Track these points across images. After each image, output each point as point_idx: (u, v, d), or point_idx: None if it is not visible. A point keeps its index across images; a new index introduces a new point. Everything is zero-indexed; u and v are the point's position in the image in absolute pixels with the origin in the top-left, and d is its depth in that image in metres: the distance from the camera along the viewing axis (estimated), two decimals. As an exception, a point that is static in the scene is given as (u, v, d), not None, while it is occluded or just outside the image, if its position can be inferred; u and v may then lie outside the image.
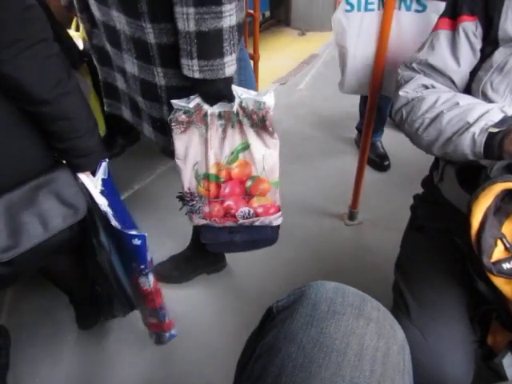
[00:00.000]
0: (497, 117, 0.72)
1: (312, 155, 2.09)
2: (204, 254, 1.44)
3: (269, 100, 0.89)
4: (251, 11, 2.08)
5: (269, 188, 1.04)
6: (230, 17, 0.78)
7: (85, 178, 0.92)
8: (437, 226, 0.93)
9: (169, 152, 2.13)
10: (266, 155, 0.98)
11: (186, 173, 1.02)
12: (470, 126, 0.74)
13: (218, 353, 1.24)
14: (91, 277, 1.20)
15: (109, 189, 0.96)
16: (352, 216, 1.69)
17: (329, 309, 0.48)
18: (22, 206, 0.82)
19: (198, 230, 1.21)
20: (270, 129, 0.94)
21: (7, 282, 0.89)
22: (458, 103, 0.77)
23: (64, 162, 0.91)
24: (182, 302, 1.39)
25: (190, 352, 1.25)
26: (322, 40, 3.43)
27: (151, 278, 1.02)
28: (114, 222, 0.92)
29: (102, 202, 0.92)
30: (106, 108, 1.17)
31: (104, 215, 0.93)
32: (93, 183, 0.92)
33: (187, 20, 0.76)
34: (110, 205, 0.94)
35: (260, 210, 1.08)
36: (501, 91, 0.77)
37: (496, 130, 0.71)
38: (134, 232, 0.91)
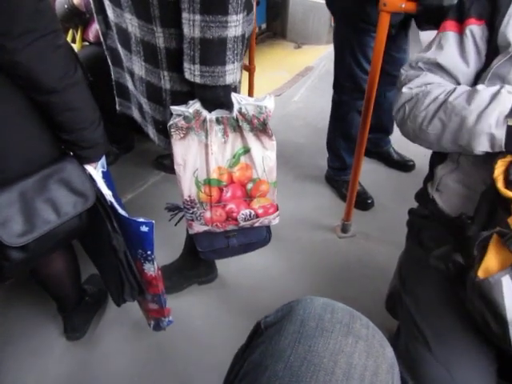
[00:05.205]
0: (509, 103, 0.69)
1: (306, 167, 2.10)
2: (195, 265, 1.43)
3: (269, 104, 0.92)
4: (247, 23, 2.10)
5: (268, 189, 1.06)
6: (236, 27, 0.80)
7: (91, 169, 0.95)
8: (436, 242, 0.91)
9: (161, 164, 2.13)
10: (265, 157, 1.01)
11: (186, 180, 1.02)
12: (481, 112, 0.71)
13: (206, 366, 1.22)
14: (99, 266, 1.21)
15: (109, 181, 1.00)
16: (345, 228, 1.68)
17: (317, 325, 0.47)
18: (34, 194, 0.86)
19: (192, 240, 1.20)
20: (270, 131, 0.96)
21: (18, 269, 0.92)
22: (463, 92, 0.75)
23: (71, 153, 0.94)
24: (172, 313, 1.37)
25: (177, 366, 1.24)
26: (318, 53, 3.47)
27: (155, 263, 1.05)
28: (121, 211, 0.96)
29: (108, 193, 0.97)
30: (117, 107, 1.19)
31: (110, 205, 0.97)
32: (98, 175, 0.96)
33: (193, 26, 0.78)
34: (113, 196, 0.98)
35: (260, 211, 1.10)
36: None
37: None
38: (141, 219, 0.95)
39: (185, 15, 0.78)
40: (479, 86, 0.74)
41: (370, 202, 1.83)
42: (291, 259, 1.58)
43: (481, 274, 0.67)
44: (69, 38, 1.75)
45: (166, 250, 1.53)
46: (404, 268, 0.99)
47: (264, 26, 3.67)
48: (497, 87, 0.72)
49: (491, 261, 0.66)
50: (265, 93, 3.05)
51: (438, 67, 0.84)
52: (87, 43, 1.78)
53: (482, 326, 0.70)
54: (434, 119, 0.78)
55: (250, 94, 2.44)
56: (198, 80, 0.85)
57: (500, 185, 0.67)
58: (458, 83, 0.83)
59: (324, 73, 3.07)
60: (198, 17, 0.77)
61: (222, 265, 1.48)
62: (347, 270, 1.54)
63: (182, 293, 1.45)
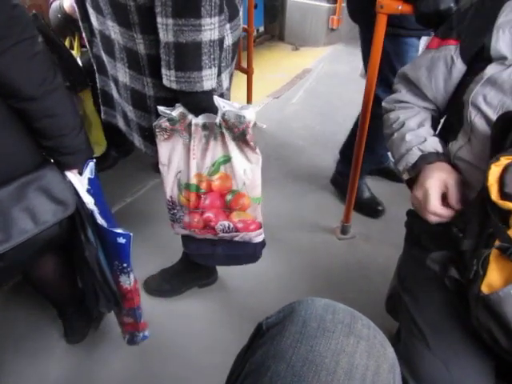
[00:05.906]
0: (413, 158, 0.82)
1: (305, 168, 2.10)
2: (195, 268, 1.43)
3: (249, 115, 0.88)
4: (245, 26, 2.11)
5: (249, 204, 1.02)
6: (211, 31, 0.78)
7: (72, 176, 0.93)
8: (434, 243, 0.92)
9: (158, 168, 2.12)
10: (247, 170, 0.97)
11: (169, 180, 1.02)
12: (399, 159, 0.87)
13: (207, 369, 1.21)
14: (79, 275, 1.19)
15: (95, 188, 0.97)
16: (344, 230, 1.69)
17: (319, 326, 0.47)
18: (11, 202, 0.84)
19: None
20: (252, 143, 0.93)
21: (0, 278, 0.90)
22: (403, 126, 0.88)
23: (52, 160, 0.93)
24: (172, 316, 1.37)
25: (178, 369, 1.23)
26: (315, 55, 3.48)
27: (132, 277, 1.03)
28: (99, 220, 0.94)
29: (89, 201, 0.94)
30: (102, 115, 1.18)
31: (90, 213, 0.95)
32: (80, 182, 0.94)
33: (166, 31, 0.77)
34: (95, 203, 0.96)
35: (240, 226, 1.07)
36: (494, 105, 0.77)
37: (408, 176, 0.84)
38: (119, 230, 0.93)
39: (159, 20, 0.77)
40: (407, 137, 0.87)
41: (380, 209, 1.77)
42: (291, 261, 1.58)
43: (484, 289, 0.66)
44: (67, 44, 1.76)
45: (166, 252, 1.53)
46: (402, 268, 0.99)
47: (262, 28, 3.68)
48: (417, 139, 0.85)
49: (494, 276, 0.65)
50: (263, 95, 3.07)
51: (407, 80, 0.92)
52: (85, 49, 1.79)
53: (490, 342, 0.69)
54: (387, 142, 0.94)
55: (249, 96, 2.45)
56: (174, 86, 0.83)
57: (494, 196, 0.65)
58: (426, 96, 0.90)
59: (322, 75, 3.08)
60: (170, 20, 0.76)
61: (221, 267, 1.48)
62: (347, 272, 1.54)
63: (182, 295, 1.45)
